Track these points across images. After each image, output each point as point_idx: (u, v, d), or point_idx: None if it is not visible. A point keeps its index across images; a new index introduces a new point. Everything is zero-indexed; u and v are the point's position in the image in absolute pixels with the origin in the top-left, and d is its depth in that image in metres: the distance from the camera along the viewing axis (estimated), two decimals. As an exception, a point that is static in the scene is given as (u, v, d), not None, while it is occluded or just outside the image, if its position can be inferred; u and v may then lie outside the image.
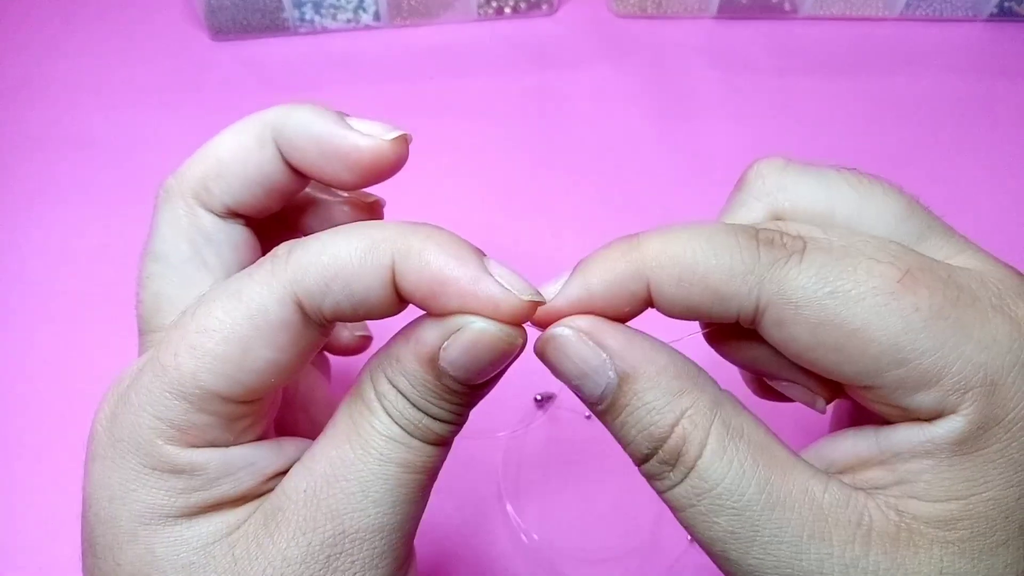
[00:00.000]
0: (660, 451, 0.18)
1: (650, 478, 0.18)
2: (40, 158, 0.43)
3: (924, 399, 0.17)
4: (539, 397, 0.34)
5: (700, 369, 0.19)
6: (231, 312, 0.18)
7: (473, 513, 0.32)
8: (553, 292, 0.19)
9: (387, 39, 0.48)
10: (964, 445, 0.17)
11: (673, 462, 0.18)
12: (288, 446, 0.20)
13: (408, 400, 0.18)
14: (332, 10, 0.46)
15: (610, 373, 0.18)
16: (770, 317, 0.17)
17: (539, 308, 0.19)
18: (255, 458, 0.19)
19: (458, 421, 0.19)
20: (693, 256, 0.18)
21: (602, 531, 0.31)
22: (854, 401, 0.19)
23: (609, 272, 0.18)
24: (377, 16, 0.47)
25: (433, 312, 0.19)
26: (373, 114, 0.48)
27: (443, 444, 0.19)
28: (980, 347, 0.16)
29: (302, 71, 0.46)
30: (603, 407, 0.18)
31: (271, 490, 0.19)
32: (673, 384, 0.18)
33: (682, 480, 0.17)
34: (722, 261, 0.17)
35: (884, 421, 0.18)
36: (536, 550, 0.31)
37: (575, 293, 0.19)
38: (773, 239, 0.18)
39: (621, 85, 0.45)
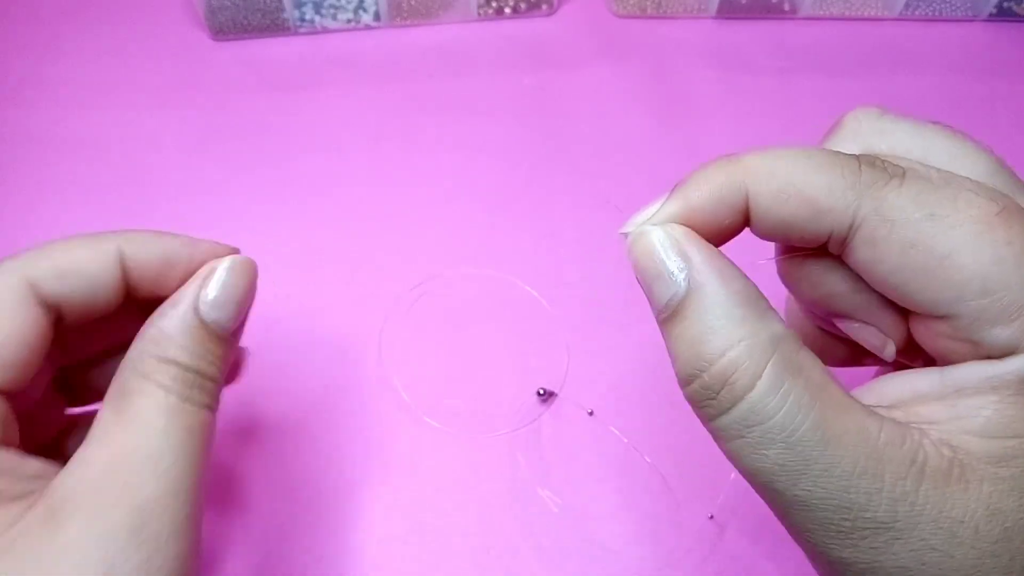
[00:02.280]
0: (705, 374, 0.18)
1: (694, 403, 0.18)
2: (40, 158, 0.43)
3: (1000, 333, 0.17)
4: (541, 392, 0.34)
5: (771, 306, 0.18)
6: None
7: (480, 506, 0.32)
8: (653, 210, 0.19)
9: (387, 39, 0.48)
10: None
11: (718, 388, 0.17)
12: (32, 461, 0.20)
13: (180, 365, 0.20)
14: (332, 10, 0.46)
15: (682, 282, 0.18)
16: (863, 235, 0.18)
17: (638, 225, 0.19)
18: (3, 457, 0.19)
19: (220, 378, 0.21)
20: (794, 169, 0.18)
21: (603, 528, 0.31)
22: (911, 356, 0.19)
23: (708, 183, 0.19)
24: (377, 16, 0.47)
25: (165, 289, 0.21)
26: (373, 114, 0.48)
27: (214, 406, 0.21)
28: None
29: (302, 71, 0.46)
30: (666, 315, 0.19)
31: (29, 494, 0.19)
32: (737, 311, 0.18)
33: (730, 409, 0.17)
34: (822, 176, 0.18)
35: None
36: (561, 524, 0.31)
37: (674, 208, 0.19)
38: (875, 162, 0.18)
39: (621, 85, 0.45)
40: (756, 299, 0.18)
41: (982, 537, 0.17)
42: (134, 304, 0.22)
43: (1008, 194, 0.18)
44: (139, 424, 0.19)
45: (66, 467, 0.19)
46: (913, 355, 0.20)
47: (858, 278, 0.19)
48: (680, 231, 0.19)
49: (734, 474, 0.20)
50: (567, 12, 0.49)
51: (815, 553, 0.18)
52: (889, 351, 0.20)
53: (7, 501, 0.18)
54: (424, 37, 0.48)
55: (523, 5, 0.48)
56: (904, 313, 0.19)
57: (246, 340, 0.24)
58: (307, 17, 0.47)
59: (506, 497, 0.32)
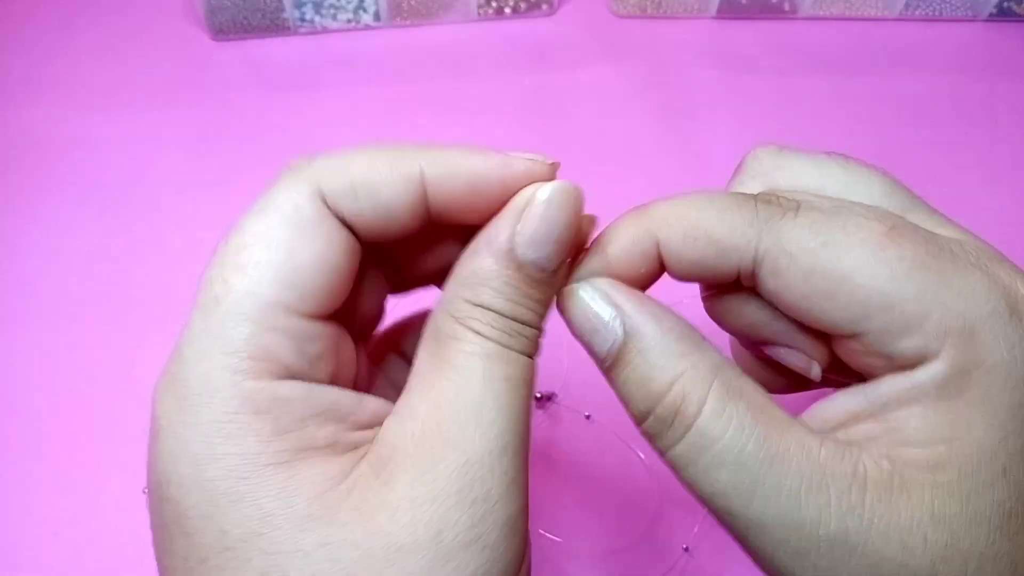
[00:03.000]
0: (657, 408, 0.18)
1: (650, 438, 0.19)
2: (40, 158, 0.43)
3: (908, 344, 0.18)
4: (539, 395, 0.34)
5: (703, 337, 0.19)
6: (265, 221, 0.18)
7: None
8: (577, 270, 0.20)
9: (387, 39, 0.48)
10: (947, 389, 0.17)
11: (670, 420, 0.18)
12: (369, 400, 0.19)
13: (495, 311, 0.19)
14: (332, 10, 0.46)
15: (618, 330, 0.19)
16: (767, 267, 0.19)
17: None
18: (337, 398, 0.18)
19: (541, 324, 0.20)
20: (697, 214, 0.19)
21: (603, 528, 0.31)
22: (841, 374, 0.20)
23: (622, 236, 0.20)
24: (377, 16, 0.47)
25: (476, 217, 0.19)
26: (373, 113, 0.48)
27: (534, 353, 0.20)
28: (959, 296, 0.17)
29: (302, 71, 0.46)
30: (609, 363, 0.19)
31: (362, 444, 0.18)
32: (675, 346, 0.19)
33: (681, 438, 0.18)
34: (724, 216, 0.19)
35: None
36: (539, 547, 0.31)
37: (595, 264, 0.20)
38: (770, 199, 0.19)
39: (621, 85, 0.45)
40: (690, 333, 0.19)
41: (932, 544, 0.17)
42: (447, 229, 0.20)
43: (901, 213, 0.19)
44: (458, 373, 0.18)
45: (392, 414, 0.18)
46: (847, 373, 0.20)
47: (774, 307, 0.20)
48: (605, 283, 0.20)
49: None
50: (567, 12, 0.49)
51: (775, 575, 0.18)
52: (815, 372, 0.21)
53: (340, 452, 0.18)
54: (424, 37, 0.48)
55: (523, 5, 0.48)
56: (823, 335, 0.20)
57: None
58: (307, 17, 0.47)
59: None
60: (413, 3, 0.47)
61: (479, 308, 0.19)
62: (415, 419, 0.18)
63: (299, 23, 0.47)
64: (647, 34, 0.48)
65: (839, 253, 0.18)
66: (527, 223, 0.19)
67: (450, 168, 0.19)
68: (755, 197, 0.19)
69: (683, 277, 0.20)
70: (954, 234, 0.20)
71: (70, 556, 0.31)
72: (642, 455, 0.33)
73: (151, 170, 0.42)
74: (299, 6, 0.46)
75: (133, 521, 0.32)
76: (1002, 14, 0.48)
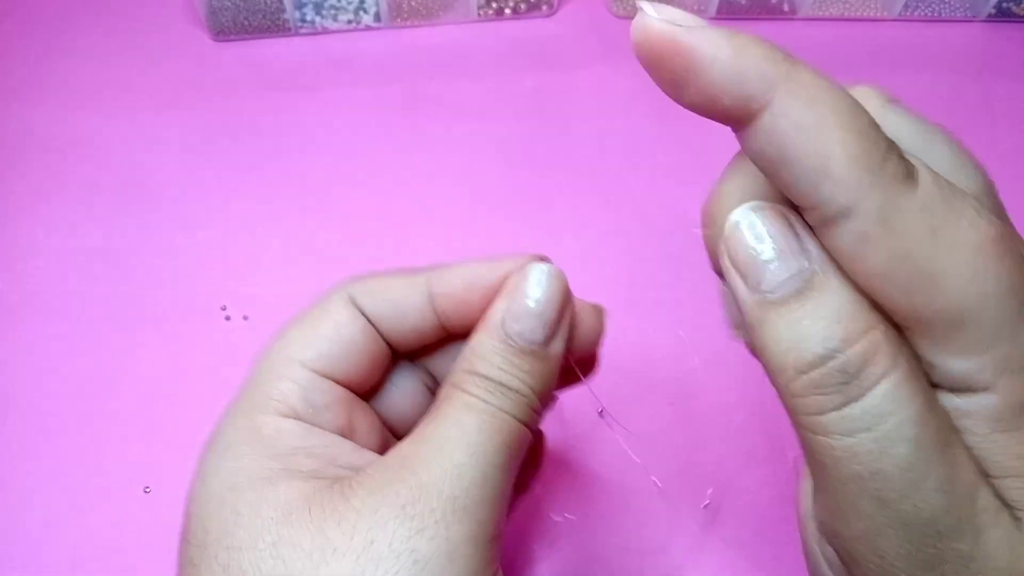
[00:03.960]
0: (844, 354, 0.16)
1: (815, 390, 0.16)
2: (41, 158, 0.43)
3: (961, 366, 0.16)
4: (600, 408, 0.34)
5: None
6: (307, 308, 0.23)
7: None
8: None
9: (387, 40, 0.48)
10: (1002, 423, 0.16)
11: (855, 371, 0.16)
12: (371, 454, 0.22)
13: (484, 376, 0.20)
14: (333, 11, 0.47)
15: (810, 259, 0.16)
16: (855, 227, 0.16)
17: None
18: (333, 442, 0.21)
19: (531, 393, 0.21)
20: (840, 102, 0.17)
21: (613, 530, 0.31)
22: None
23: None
24: (378, 17, 0.47)
25: (474, 314, 0.22)
26: (373, 114, 0.48)
27: (525, 420, 0.21)
28: None
29: (303, 72, 0.46)
30: (783, 294, 0.16)
31: (347, 478, 0.20)
32: (863, 299, 0.16)
33: (862, 395, 0.16)
34: (858, 139, 0.15)
35: None
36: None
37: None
38: (903, 156, 0.16)
39: (621, 85, 0.45)
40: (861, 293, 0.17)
41: None
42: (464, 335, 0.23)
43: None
44: (439, 420, 0.20)
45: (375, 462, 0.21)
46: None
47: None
48: (793, 214, 0.17)
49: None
50: (567, 13, 0.49)
51: None
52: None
53: (322, 479, 0.20)
54: (424, 38, 0.48)
55: (523, 6, 0.48)
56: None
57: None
58: (308, 18, 0.47)
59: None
60: (413, 4, 0.47)
61: (471, 374, 0.20)
62: (393, 454, 0.20)
63: (300, 24, 0.47)
64: (647, 35, 0.48)
65: (944, 248, 0.15)
66: (514, 299, 0.21)
67: (449, 275, 0.23)
68: (892, 145, 0.16)
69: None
70: None
71: (71, 555, 0.32)
72: (639, 458, 0.33)
73: (152, 170, 0.43)
74: (300, 7, 0.46)
75: (134, 520, 0.32)
76: (1001, 15, 0.48)
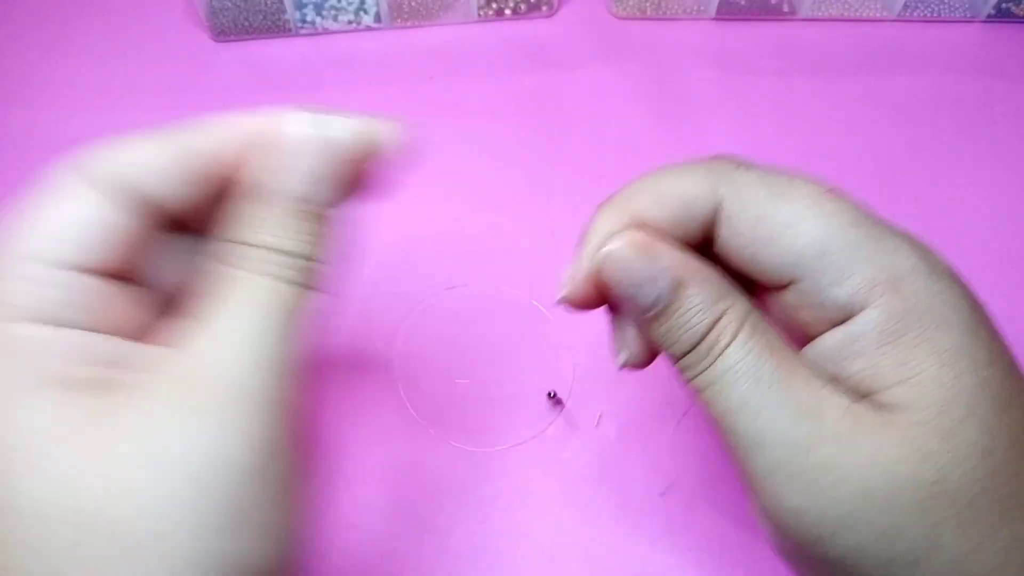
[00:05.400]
0: (701, 344, 0.20)
1: (684, 370, 0.21)
2: (42, 158, 0.43)
3: (839, 292, 0.20)
4: (552, 393, 0.34)
5: (732, 282, 0.21)
6: (35, 194, 0.21)
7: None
8: (569, 279, 0.23)
9: (388, 40, 0.48)
10: (884, 335, 0.19)
11: (706, 352, 0.20)
12: (137, 343, 0.20)
13: (258, 247, 0.20)
14: (333, 11, 0.47)
15: (662, 282, 0.21)
16: (723, 214, 0.21)
17: (566, 296, 0.23)
18: (88, 342, 0.19)
19: (317, 256, 0.20)
20: (662, 179, 0.22)
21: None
22: None
23: (602, 225, 0.22)
24: (378, 18, 0.47)
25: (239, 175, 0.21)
26: (374, 114, 0.48)
27: (311, 286, 0.20)
28: (885, 252, 0.20)
29: (303, 72, 0.46)
30: (655, 312, 0.21)
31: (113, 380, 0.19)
32: (716, 290, 0.21)
33: (712, 364, 0.20)
34: (684, 175, 0.22)
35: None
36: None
37: (587, 261, 0.22)
38: (723, 157, 0.22)
39: (620, 86, 0.46)
40: (721, 280, 0.21)
41: (920, 480, 0.18)
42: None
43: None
44: (217, 307, 0.19)
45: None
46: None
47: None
48: (642, 238, 0.21)
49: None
50: (567, 13, 0.49)
51: (771, 509, 0.20)
52: (619, 359, 0.24)
53: (76, 387, 0.18)
54: (424, 38, 0.48)
55: (523, 6, 0.48)
56: (763, 294, 0.22)
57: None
58: (308, 18, 0.47)
59: (517, 507, 0.32)
60: (414, 4, 0.47)
61: (245, 246, 0.19)
62: (173, 354, 0.18)
63: (300, 24, 0.47)
64: (646, 35, 0.48)
65: (786, 203, 0.20)
66: (280, 161, 0.20)
67: (204, 133, 0.22)
68: (709, 158, 0.22)
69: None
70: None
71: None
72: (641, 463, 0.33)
73: (152, 171, 0.43)
74: (300, 7, 0.46)
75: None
76: (1001, 15, 0.48)
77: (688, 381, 0.21)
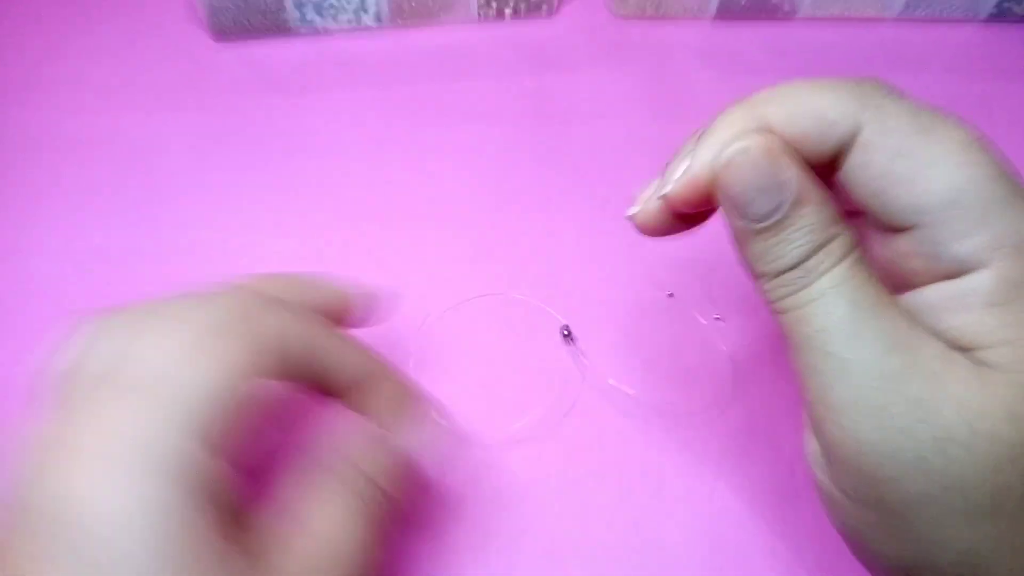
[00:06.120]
0: (807, 261, 0.20)
1: (779, 287, 0.20)
2: (43, 159, 0.43)
3: (961, 247, 0.19)
4: (567, 332, 0.34)
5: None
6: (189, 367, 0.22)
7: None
8: (681, 169, 0.23)
9: (388, 40, 0.48)
10: (996, 296, 0.19)
11: (815, 267, 0.20)
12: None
13: (375, 483, 0.23)
14: (333, 11, 0.47)
15: (787, 193, 0.20)
16: (861, 140, 0.20)
17: (671, 193, 0.23)
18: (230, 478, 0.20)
19: (396, 494, 0.25)
20: (803, 92, 0.21)
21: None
22: None
23: (734, 124, 0.22)
24: (378, 18, 0.47)
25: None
26: (374, 115, 0.48)
27: (385, 516, 0.24)
28: (1017, 215, 0.19)
29: (304, 72, 0.46)
30: (767, 224, 0.20)
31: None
32: (831, 214, 0.20)
33: (818, 278, 0.20)
34: (827, 92, 0.21)
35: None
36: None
37: (706, 158, 0.22)
38: (876, 81, 0.21)
39: (620, 86, 0.46)
40: (834, 207, 0.20)
41: (1002, 440, 0.17)
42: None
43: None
44: (326, 517, 0.22)
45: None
46: None
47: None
48: (776, 141, 0.20)
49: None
50: (567, 14, 0.49)
51: (840, 442, 0.19)
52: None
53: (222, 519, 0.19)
54: (425, 39, 0.48)
55: (523, 7, 0.48)
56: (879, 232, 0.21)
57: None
58: (308, 18, 0.47)
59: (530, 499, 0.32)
60: (414, 5, 0.47)
61: (369, 482, 0.23)
62: (288, 543, 0.21)
63: (300, 24, 0.47)
64: (646, 35, 0.48)
65: (933, 142, 0.19)
66: (417, 449, 0.25)
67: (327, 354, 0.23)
68: (858, 78, 0.21)
69: None
70: None
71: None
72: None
73: (153, 170, 0.43)
74: (300, 7, 0.46)
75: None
76: (1001, 14, 0.48)
77: (779, 300, 0.20)
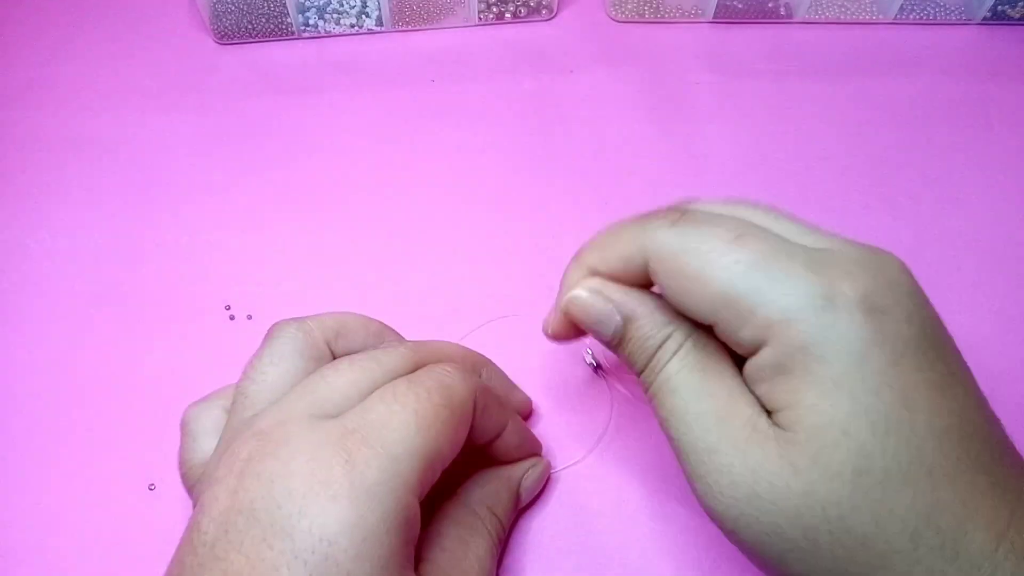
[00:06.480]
0: (650, 362, 0.25)
1: (643, 385, 0.25)
2: (46, 160, 0.44)
3: (745, 334, 0.22)
4: (595, 364, 0.35)
5: (677, 312, 0.24)
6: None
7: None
8: (551, 319, 0.28)
9: (389, 43, 0.48)
10: (777, 368, 0.22)
11: (657, 368, 0.24)
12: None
13: (499, 519, 0.28)
14: (336, 15, 0.47)
15: (617, 318, 0.25)
16: (651, 267, 0.24)
17: (549, 333, 0.29)
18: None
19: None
20: (606, 239, 0.26)
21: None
22: None
23: (573, 276, 0.27)
24: (380, 21, 0.48)
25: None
26: (375, 117, 0.49)
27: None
28: (781, 293, 0.21)
29: (305, 74, 0.47)
30: (616, 342, 0.26)
31: None
32: (661, 319, 0.25)
33: (657, 376, 0.24)
34: (621, 235, 0.25)
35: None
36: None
37: (558, 307, 0.28)
38: (659, 211, 0.25)
39: (619, 89, 0.46)
40: (668, 308, 0.25)
41: (793, 491, 0.21)
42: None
43: (780, 227, 0.24)
44: (467, 552, 0.26)
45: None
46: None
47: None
48: (596, 282, 0.26)
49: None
50: (566, 17, 0.50)
51: (698, 502, 0.23)
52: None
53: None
54: (426, 42, 0.48)
55: (523, 10, 0.49)
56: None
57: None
58: (311, 22, 0.47)
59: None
60: (415, 8, 0.48)
61: (492, 515, 0.28)
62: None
63: (303, 28, 0.48)
64: (645, 39, 0.48)
65: (693, 259, 0.23)
66: (530, 483, 0.30)
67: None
68: (647, 213, 0.25)
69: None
70: (822, 244, 0.23)
71: (75, 552, 0.32)
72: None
73: (157, 172, 0.43)
74: (303, 11, 0.47)
75: (139, 518, 0.32)
76: (996, 18, 0.48)
77: (646, 391, 0.25)
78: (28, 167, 0.43)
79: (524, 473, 0.30)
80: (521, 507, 0.31)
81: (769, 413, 0.22)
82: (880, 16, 0.49)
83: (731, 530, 0.22)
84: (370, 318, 0.29)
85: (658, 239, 0.24)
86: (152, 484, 0.33)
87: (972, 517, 0.20)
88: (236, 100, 0.46)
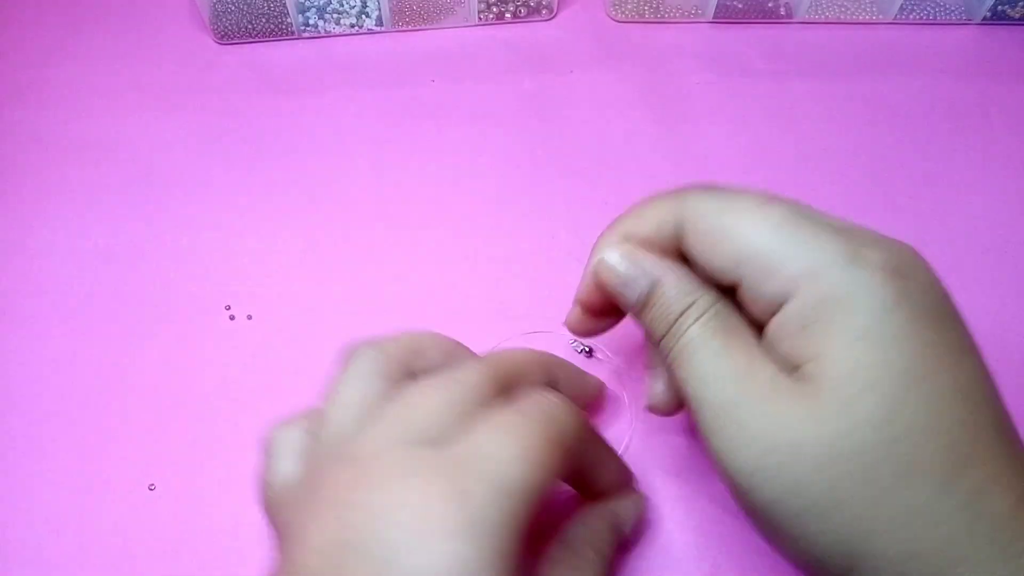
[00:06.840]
0: (673, 326, 0.25)
1: (664, 350, 0.25)
2: (46, 160, 0.44)
3: (771, 287, 0.23)
4: (588, 348, 0.35)
5: (702, 282, 0.25)
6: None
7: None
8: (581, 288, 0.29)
9: (389, 43, 0.48)
10: (802, 319, 0.22)
11: (679, 333, 0.25)
12: None
13: (604, 560, 0.27)
14: (336, 15, 0.47)
15: (643, 282, 0.26)
16: (687, 227, 0.25)
17: (578, 295, 0.29)
18: None
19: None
20: (642, 208, 0.27)
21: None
22: None
23: (604, 242, 0.27)
24: (380, 21, 0.48)
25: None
26: (375, 117, 0.49)
27: None
28: (807, 249, 0.22)
29: (306, 75, 0.47)
30: (640, 306, 0.26)
31: None
32: (687, 285, 0.25)
33: (680, 339, 0.24)
34: (659, 202, 0.26)
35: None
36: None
37: (589, 270, 0.28)
38: (694, 184, 0.26)
39: (619, 89, 0.46)
40: (692, 276, 0.25)
41: (818, 441, 0.21)
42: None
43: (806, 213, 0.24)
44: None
45: None
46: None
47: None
48: (627, 247, 0.26)
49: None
50: (566, 17, 0.50)
51: (715, 463, 0.23)
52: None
53: None
54: (426, 42, 0.48)
55: (523, 10, 0.49)
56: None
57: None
58: (311, 22, 0.47)
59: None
60: (415, 8, 0.48)
61: (591, 551, 0.27)
62: None
63: (303, 28, 0.48)
64: (645, 39, 0.48)
65: (727, 214, 0.24)
66: (625, 517, 0.29)
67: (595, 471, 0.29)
68: (685, 187, 0.26)
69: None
70: (839, 223, 0.24)
71: (76, 552, 0.32)
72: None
73: (156, 171, 0.43)
74: (303, 11, 0.47)
75: (139, 518, 0.32)
76: (996, 18, 0.48)
77: (666, 358, 0.25)
78: (28, 167, 0.43)
79: (626, 511, 0.29)
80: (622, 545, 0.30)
81: (790, 374, 0.23)
82: (880, 16, 0.49)
83: (746, 489, 0.22)
84: (442, 335, 0.28)
85: (691, 200, 0.25)
86: (152, 484, 0.33)
87: (996, 479, 0.20)
88: (236, 100, 0.46)
